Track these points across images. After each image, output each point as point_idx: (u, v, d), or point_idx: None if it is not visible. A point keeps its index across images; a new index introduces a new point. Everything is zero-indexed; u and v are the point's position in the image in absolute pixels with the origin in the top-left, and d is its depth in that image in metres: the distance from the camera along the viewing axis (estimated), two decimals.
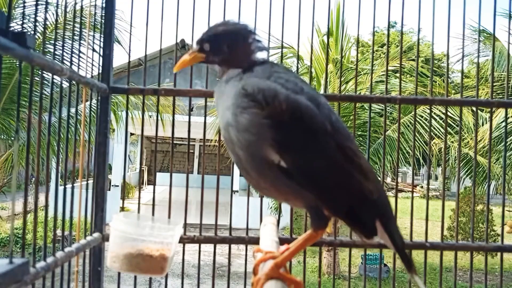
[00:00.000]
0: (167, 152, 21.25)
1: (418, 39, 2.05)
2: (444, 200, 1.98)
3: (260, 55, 1.03)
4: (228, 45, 1.02)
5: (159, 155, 22.09)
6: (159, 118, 2.10)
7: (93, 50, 1.75)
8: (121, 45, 4.10)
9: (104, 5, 1.80)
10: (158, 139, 17.95)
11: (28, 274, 1.08)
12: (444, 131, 2.10)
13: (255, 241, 1.81)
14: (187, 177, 1.91)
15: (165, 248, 1.32)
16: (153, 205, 1.86)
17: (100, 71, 1.78)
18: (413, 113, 6.66)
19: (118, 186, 11.40)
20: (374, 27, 1.95)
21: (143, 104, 1.95)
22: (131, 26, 1.87)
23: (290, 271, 1.37)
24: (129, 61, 1.97)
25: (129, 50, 1.97)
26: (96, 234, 1.71)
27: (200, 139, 18.91)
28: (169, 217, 1.73)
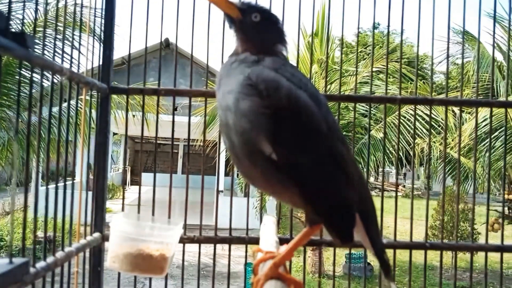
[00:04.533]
0: (151, 152, 21.22)
1: (418, 39, 2.05)
2: (444, 200, 1.98)
3: (280, 49, 1.06)
4: (266, 27, 1.05)
5: (143, 155, 21.96)
6: (157, 118, 2.09)
7: (92, 54, 1.75)
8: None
9: (104, 5, 1.80)
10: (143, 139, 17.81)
11: (28, 274, 1.07)
12: (444, 131, 2.09)
13: (255, 241, 1.81)
14: (187, 178, 1.91)
15: (165, 248, 1.32)
16: (153, 205, 1.86)
17: (100, 71, 1.77)
18: (396, 113, 6.68)
19: None
20: (374, 26, 1.95)
21: (143, 104, 1.94)
22: (131, 25, 1.87)
23: (290, 271, 1.37)
24: (129, 61, 1.96)
25: (129, 48, 1.96)
26: (96, 234, 1.71)
27: (184, 139, 18.80)
28: (169, 217, 1.73)
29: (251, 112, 0.88)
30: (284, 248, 1.01)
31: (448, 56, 2.20)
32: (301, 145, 0.90)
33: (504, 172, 2.12)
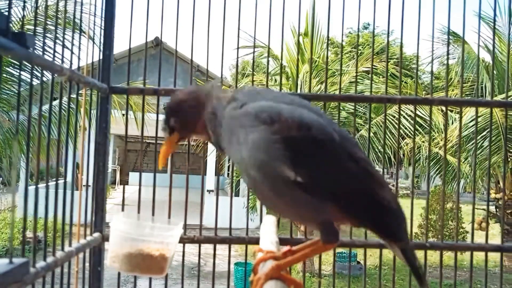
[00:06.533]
0: (140, 151, 21.29)
1: (418, 40, 2.05)
2: (444, 199, 1.98)
3: (225, 93, 1.03)
4: (194, 109, 1.03)
5: (132, 155, 21.90)
6: (157, 118, 2.09)
7: (92, 54, 1.75)
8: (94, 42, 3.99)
9: (104, 5, 1.80)
10: (130, 138, 17.88)
11: (28, 274, 1.07)
12: (444, 131, 2.09)
13: (255, 241, 1.81)
14: (187, 178, 1.91)
15: (165, 248, 1.32)
16: (153, 205, 1.86)
17: (100, 71, 1.77)
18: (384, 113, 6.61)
19: (89, 186, 11.26)
20: (373, 27, 1.95)
21: (143, 104, 1.94)
22: (131, 24, 1.86)
23: (290, 272, 1.37)
24: (129, 60, 1.96)
25: (129, 48, 1.96)
26: (96, 234, 1.71)
27: None
28: (169, 217, 1.73)
29: (263, 141, 0.87)
30: (286, 248, 1.01)
31: (448, 56, 2.20)
32: (321, 159, 0.89)
33: (504, 171, 2.12)
